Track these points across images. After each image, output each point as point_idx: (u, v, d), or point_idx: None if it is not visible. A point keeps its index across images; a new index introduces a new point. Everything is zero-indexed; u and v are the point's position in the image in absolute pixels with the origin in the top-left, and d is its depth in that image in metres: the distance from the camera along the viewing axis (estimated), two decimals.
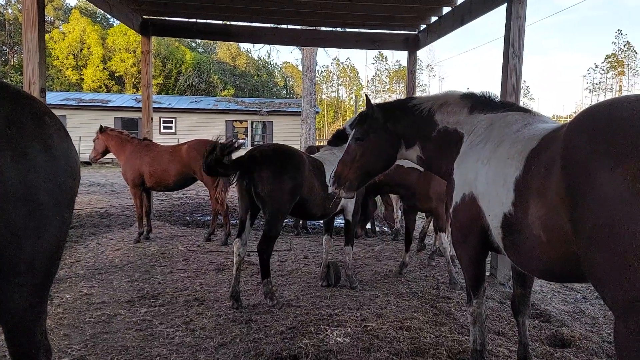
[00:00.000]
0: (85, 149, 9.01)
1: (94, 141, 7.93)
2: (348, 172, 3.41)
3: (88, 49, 43.07)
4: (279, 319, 4.17)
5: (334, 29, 9.85)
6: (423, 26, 8.75)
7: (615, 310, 1.83)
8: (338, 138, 5.42)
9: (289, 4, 7.61)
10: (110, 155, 8.09)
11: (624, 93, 67.22)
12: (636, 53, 67.73)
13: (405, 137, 3.35)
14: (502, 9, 5.72)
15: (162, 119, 27.59)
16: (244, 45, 52.77)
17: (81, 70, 43.12)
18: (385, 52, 71.81)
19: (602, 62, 71.09)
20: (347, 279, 5.28)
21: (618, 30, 79.99)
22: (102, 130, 7.74)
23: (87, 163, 8.21)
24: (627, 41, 68.18)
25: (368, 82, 79.01)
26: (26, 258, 1.86)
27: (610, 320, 4.31)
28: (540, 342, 3.82)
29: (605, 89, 71.44)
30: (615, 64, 68.72)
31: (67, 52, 42.97)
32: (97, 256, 6.29)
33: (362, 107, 4.36)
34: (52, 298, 4.51)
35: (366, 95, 3.52)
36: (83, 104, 27.77)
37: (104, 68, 42.97)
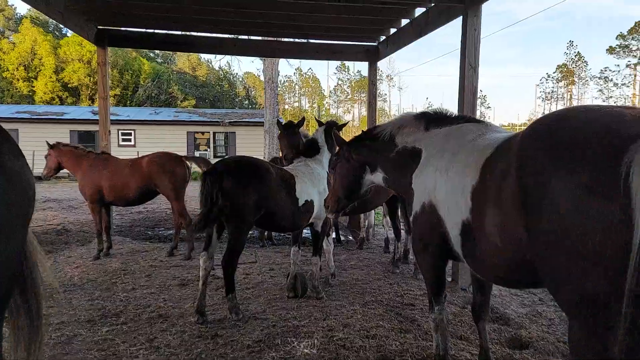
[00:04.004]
0: (39, 164, 8.69)
1: (45, 157, 7.63)
2: (329, 198, 4.03)
3: (40, 59, 41.46)
4: (245, 333, 4.14)
5: (295, 40, 9.93)
6: (383, 38, 8.96)
7: (569, 312, 1.92)
8: (311, 149, 5.41)
9: (249, 15, 7.62)
10: (66, 170, 7.80)
11: (575, 102, 70.45)
12: (586, 64, 71.14)
13: (369, 163, 3.69)
14: (458, 21, 5.93)
15: (120, 132, 26.83)
16: (204, 56, 51.98)
17: (32, 82, 41.44)
18: (346, 63, 72.65)
19: (554, 72, 74.28)
20: (313, 290, 5.29)
21: (570, 41, 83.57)
22: (53, 146, 7.47)
23: (40, 178, 7.92)
24: (578, 52, 71.49)
25: (330, 92, 79.72)
26: None
27: (564, 321, 4.50)
28: (500, 344, 3.95)
29: (557, 97, 74.57)
30: (566, 73, 71.89)
31: (17, 63, 41.15)
32: (54, 275, 6.05)
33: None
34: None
35: (335, 133, 4.04)
36: (36, 117, 26.64)
37: (56, 79, 41.43)
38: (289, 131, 6.07)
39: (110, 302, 4.99)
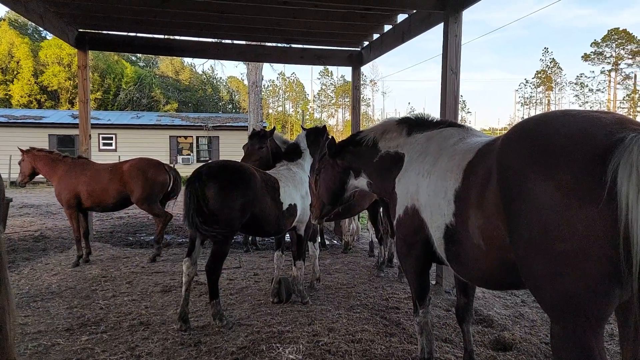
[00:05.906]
0: (16, 169, 8.50)
1: (19, 164, 7.45)
2: (314, 203, 4.10)
3: (17, 62, 40.67)
4: (229, 340, 4.09)
5: (279, 45, 9.93)
6: (366, 43, 9.02)
7: (551, 314, 1.93)
8: (293, 153, 5.42)
9: (233, 19, 7.60)
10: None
11: (553, 107, 71.80)
12: (561, 69, 72.79)
13: (353, 168, 3.74)
14: (440, 27, 6.01)
15: (101, 136, 26.47)
16: (188, 60, 51.76)
17: (9, 85, 40.56)
18: (330, 68, 72.80)
19: (533, 78, 75.59)
20: (298, 294, 5.26)
21: (545, 48, 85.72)
22: (27, 151, 7.30)
23: (16, 184, 7.81)
24: (553, 58, 73.17)
25: (314, 96, 79.77)
26: None
27: (547, 322, 4.55)
28: (484, 346, 3.97)
29: (536, 102, 75.91)
30: (544, 79, 73.32)
31: None
32: (31, 283, 5.90)
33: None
34: None
35: (328, 142, 4.04)
36: (14, 120, 26.11)
37: (35, 82, 40.62)
38: (253, 141, 6.04)
39: (90, 310, 4.89)
